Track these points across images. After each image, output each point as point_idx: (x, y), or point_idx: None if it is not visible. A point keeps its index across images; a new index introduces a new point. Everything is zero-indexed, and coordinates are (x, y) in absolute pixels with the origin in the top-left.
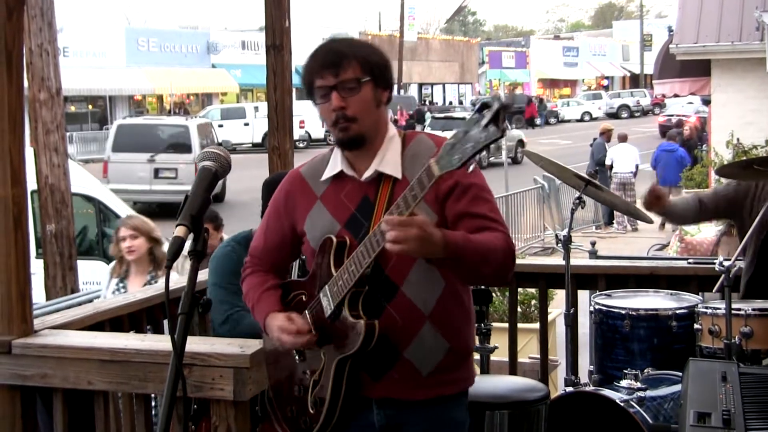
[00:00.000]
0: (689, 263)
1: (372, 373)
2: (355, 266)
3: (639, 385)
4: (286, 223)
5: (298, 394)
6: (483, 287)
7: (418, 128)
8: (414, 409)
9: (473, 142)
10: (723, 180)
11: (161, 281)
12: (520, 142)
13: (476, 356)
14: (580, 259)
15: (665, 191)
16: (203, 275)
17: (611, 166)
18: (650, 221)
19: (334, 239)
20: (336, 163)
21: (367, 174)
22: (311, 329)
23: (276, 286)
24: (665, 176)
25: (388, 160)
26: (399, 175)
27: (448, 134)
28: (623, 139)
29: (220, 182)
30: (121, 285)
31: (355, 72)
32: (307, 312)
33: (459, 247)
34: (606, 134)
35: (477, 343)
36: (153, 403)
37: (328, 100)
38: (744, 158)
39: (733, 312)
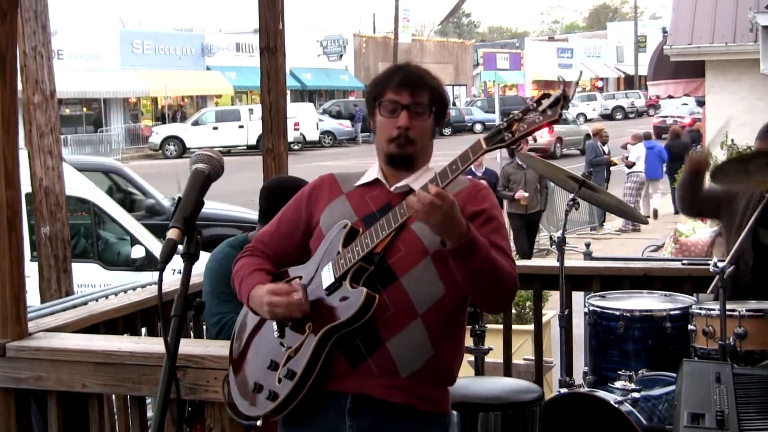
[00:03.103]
0: (683, 264)
1: (351, 356)
2: (370, 239)
3: (633, 386)
4: (303, 214)
5: (269, 367)
6: None
7: None
8: (389, 420)
9: (527, 123)
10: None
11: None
12: (588, 136)
13: (471, 357)
14: (574, 261)
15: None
16: (197, 278)
17: (633, 164)
18: (645, 222)
19: (348, 224)
20: (372, 174)
21: (398, 185)
22: (300, 291)
23: (270, 272)
24: (649, 171)
25: (421, 181)
26: None
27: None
28: (639, 139)
29: None
30: None
31: (426, 100)
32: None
33: (478, 243)
34: (598, 135)
35: (472, 344)
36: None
37: (395, 116)
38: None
39: (727, 313)
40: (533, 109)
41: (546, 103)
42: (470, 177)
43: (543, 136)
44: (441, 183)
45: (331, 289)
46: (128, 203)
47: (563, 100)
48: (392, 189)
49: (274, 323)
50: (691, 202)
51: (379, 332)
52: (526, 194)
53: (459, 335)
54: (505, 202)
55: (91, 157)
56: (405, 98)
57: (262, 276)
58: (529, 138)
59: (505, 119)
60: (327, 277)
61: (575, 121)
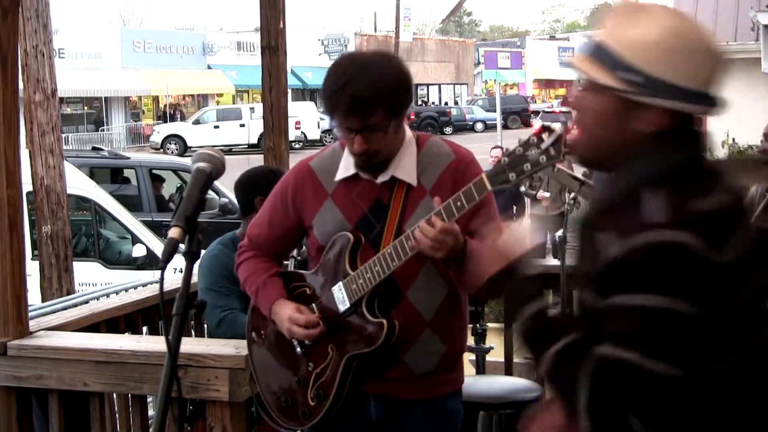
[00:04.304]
0: None
1: (371, 371)
2: (381, 267)
3: None
4: (292, 216)
5: (297, 385)
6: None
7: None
8: (409, 403)
9: (531, 163)
10: None
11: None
12: None
13: (472, 356)
14: None
15: None
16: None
17: None
18: None
19: (351, 237)
20: (350, 165)
21: (383, 178)
22: (319, 322)
23: (277, 273)
24: None
25: (404, 166)
26: (414, 182)
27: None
28: None
29: None
30: None
31: (381, 117)
32: (314, 305)
33: (475, 253)
34: None
35: (473, 343)
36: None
37: (351, 137)
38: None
39: None
40: (534, 144)
41: (547, 140)
42: (449, 141)
43: (572, 132)
44: (447, 218)
45: (347, 314)
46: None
47: (564, 135)
48: (377, 181)
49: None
50: None
51: (395, 349)
52: (548, 194)
53: (463, 314)
54: (527, 202)
55: (163, 156)
56: (356, 123)
57: (276, 285)
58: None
59: (506, 156)
60: (340, 298)
61: None
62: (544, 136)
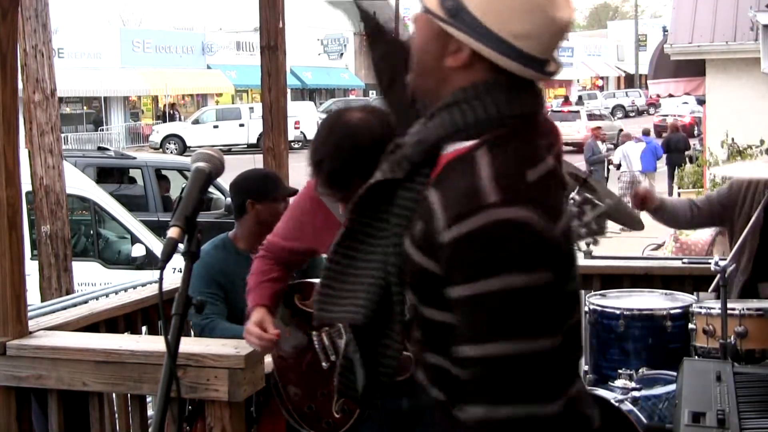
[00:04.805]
0: (684, 263)
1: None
2: None
3: (633, 384)
4: (305, 239)
5: (322, 397)
6: None
7: None
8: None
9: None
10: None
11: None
12: (620, 131)
13: None
14: None
15: (649, 191)
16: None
17: (619, 165)
18: (641, 228)
19: None
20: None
21: None
22: (275, 341)
23: (278, 279)
24: (644, 165)
25: None
26: None
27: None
28: (628, 137)
29: None
30: None
31: (359, 183)
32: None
33: None
34: (595, 134)
35: None
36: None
37: (335, 202)
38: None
39: (727, 312)
40: (577, 215)
41: (590, 214)
42: None
43: (580, 132)
44: None
45: None
46: (206, 202)
47: (605, 215)
48: None
49: (320, 353)
50: (683, 225)
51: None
52: None
53: None
54: None
55: (169, 156)
56: (337, 194)
57: (265, 291)
58: (565, 132)
59: None
60: None
61: (610, 117)
62: (586, 208)
